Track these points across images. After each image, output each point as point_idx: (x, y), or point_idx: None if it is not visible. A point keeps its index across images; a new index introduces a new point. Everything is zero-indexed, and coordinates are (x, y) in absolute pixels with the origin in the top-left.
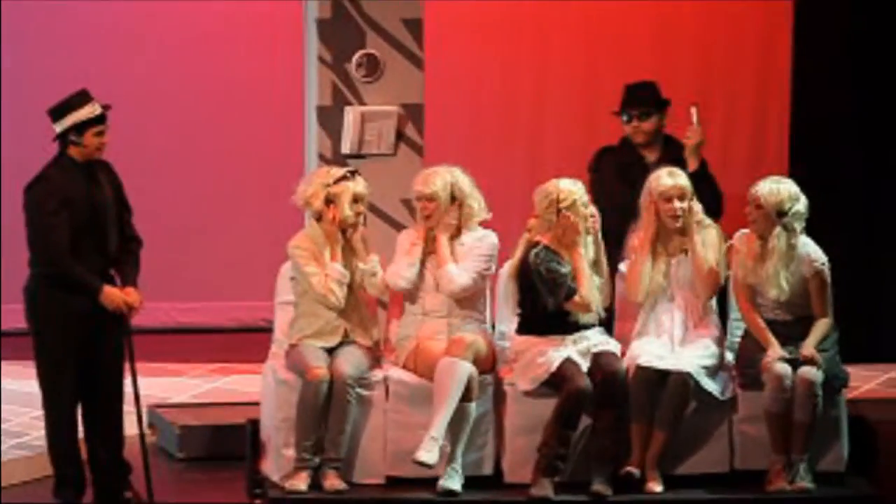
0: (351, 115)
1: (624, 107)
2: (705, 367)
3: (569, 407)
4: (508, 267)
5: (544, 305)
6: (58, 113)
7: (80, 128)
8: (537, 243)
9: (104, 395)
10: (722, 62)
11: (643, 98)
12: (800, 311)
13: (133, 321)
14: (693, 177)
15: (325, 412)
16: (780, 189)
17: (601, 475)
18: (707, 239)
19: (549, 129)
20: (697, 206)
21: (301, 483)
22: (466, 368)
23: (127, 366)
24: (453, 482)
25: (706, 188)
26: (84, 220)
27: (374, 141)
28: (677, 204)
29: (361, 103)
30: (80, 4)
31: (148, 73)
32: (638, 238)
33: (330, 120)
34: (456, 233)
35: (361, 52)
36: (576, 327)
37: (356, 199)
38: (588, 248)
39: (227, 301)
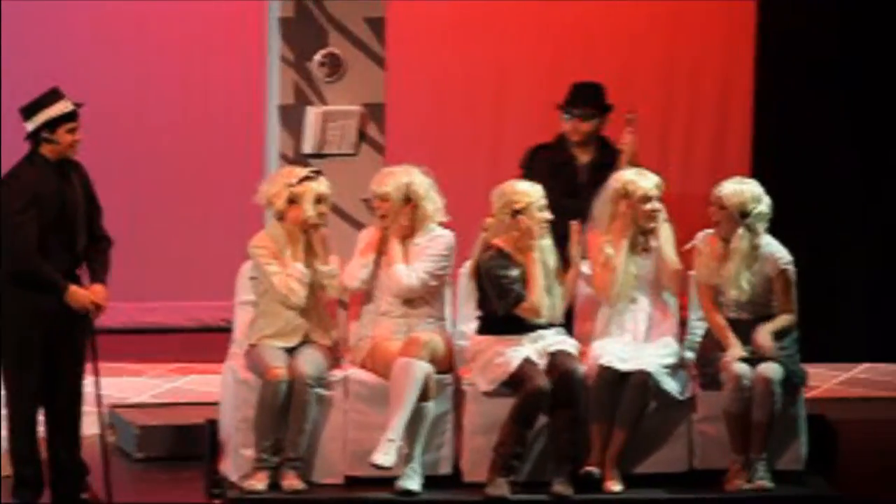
0: (313, 114)
1: (568, 104)
2: (665, 367)
3: (526, 406)
4: (468, 266)
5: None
6: (29, 111)
7: (53, 125)
8: (492, 246)
9: (66, 395)
10: (685, 63)
11: (588, 99)
12: (762, 311)
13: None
14: None
15: (285, 412)
16: (743, 190)
17: (560, 475)
18: (664, 235)
19: (511, 129)
20: (662, 206)
21: (259, 483)
22: (423, 368)
23: (90, 366)
24: (412, 482)
25: None
26: (53, 218)
27: (335, 140)
28: (656, 205)
29: (323, 103)
30: (39, 4)
31: (109, 73)
32: (610, 239)
33: (292, 119)
34: (410, 233)
35: (324, 51)
36: (533, 327)
37: (319, 200)
38: (546, 253)
39: (186, 301)
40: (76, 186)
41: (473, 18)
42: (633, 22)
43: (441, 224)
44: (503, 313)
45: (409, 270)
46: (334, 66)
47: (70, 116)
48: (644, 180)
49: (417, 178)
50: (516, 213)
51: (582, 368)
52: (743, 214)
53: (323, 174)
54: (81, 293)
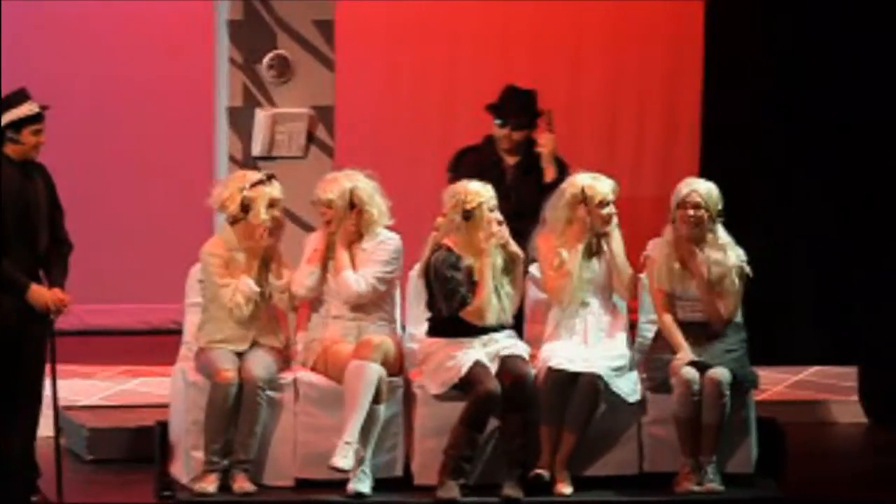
0: (262, 116)
1: (500, 112)
2: (615, 369)
3: (477, 410)
4: (418, 267)
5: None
6: None
7: (18, 125)
8: (442, 246)
9: (25, 396)
10: (633, 64)
11: (525, 109)
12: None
13: None
14: (552, 186)
15: (235, 414)
16: (712, 188)
17: (511, 478)
18: (614, 240)
19: (460, 131)
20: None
21: (209, 485)
22: (376, 370)
23: (48, 368)
24: (363, 485)
25: None
26: (16, 218)
27: (284, 143)
28: (612, 209)
29: (272, 105)
30: None
31: (56, 73)
32: (564, 243)
33: (240, 121)
34: (356, 238)
35: (272, 53)
36: (484, 330)
37: (272, 204)
38: (495, 255)
39: (136, 303)
40: (39, 187)
41: (422, 21)
42: (580, 24)
43: (387, 227)
44: (447, 315)
45: (357, 277)
46: (283, 68)
47: (35, 118)
48: (601, 185)
49: (361, 183)
50: (467, 213)
51: (532, 373)
52: (719, 213)
53: (276, 178)
54: (43, 292)
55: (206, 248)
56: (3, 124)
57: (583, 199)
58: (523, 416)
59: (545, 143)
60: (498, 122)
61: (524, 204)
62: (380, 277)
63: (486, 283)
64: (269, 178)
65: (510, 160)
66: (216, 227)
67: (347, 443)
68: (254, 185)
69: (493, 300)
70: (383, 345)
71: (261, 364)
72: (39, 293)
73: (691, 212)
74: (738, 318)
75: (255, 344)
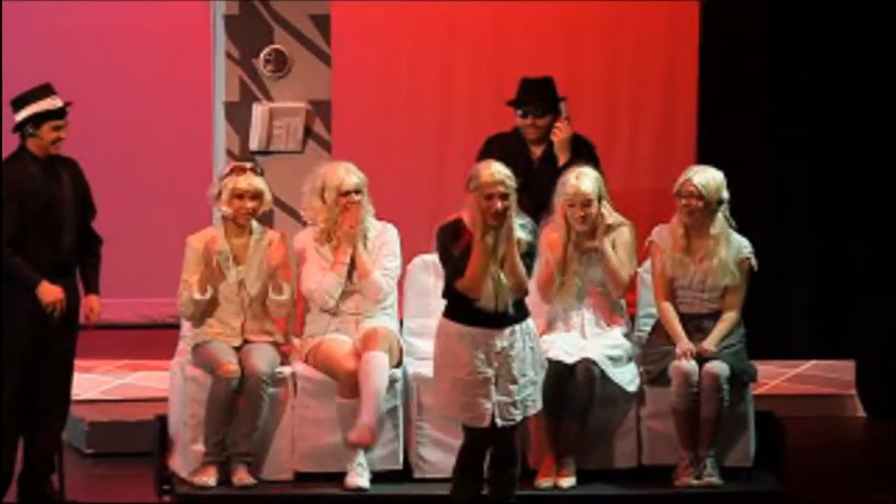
0: (259, 111)
1: (521, 101)
2: (611, 358)
3: (472, 456)
4: (416, 262)
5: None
6: (18, 104)
7: (38, 120)
8: (456, 218)
9: (53, 392)
10: (629, 61)
11: (543, 95)
12: (717, 304)
13: None
14: (565, 170)
15: (235, 408)
16: (714, 177)
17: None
18: (619, 238)
19: (457, 126)
20: (607, 209)
21: (209, 478)
22: (386, 361)
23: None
24: (362, 479)
25: None
26: (37, 213)
27: (282, 137)
28: (581, 211)
29: (269, 99)
30: None
31: (54, 70)
32: (551, 240)
33: (238, 116)
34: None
35: (269, 48)
36: (491, 320)
37: (239, 195)
38: (496, 235)
39: (134, 298)
40: (65, 184)
41: (419, 15)
42: (577, 18)
43: (384, 221)
44: (445, 287)
45: (382, 276)
46: (280, 62)
47: (56, 114)
48: (581, 183)
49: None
50: (489, 195)
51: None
52: (719, 202)
53: (255, 169)
54: (51, 290)
55: (189, 238)
56: (23, 118)
57: (566, 198)
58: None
59: (559, 129)
60: (519, 113)
61: (547, 194)
62: (395, 268)
63: (477, 261)
64: (245, 168)
65: (536, 152)
66: (215, 222)
67: (361, 464)
68: (226, 175)
69: (488, 279)
70: (389, 335)
71: (263, 358)
72: (48, 290)
73: (684, 201)
74: (739, 311)
75: (247, 340)
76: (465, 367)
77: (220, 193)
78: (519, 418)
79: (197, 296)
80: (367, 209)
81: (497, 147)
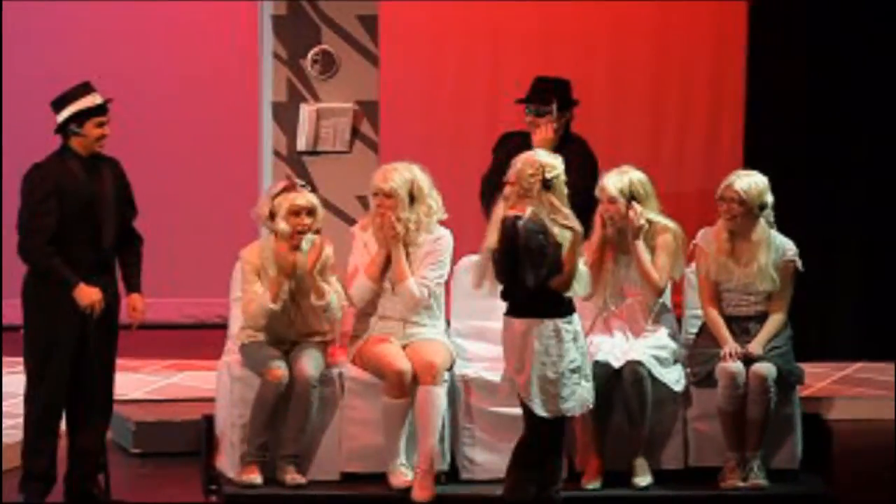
0: (306, 111)
1: (525, 99)
2: (657, 359)
3: (533, 453)
4: (464, 262)
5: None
6: (59, 104)
7: (81, 118)
8: (514, 216)
9: (94, 389)
10: (677, 62)
11: (544, 95)
12: (764, 306)
13: None
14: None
15: (281, 411)
16: (757, 182)
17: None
18: (659, 242)
19: (504, 125)
20: (639, 209)
21: (255, 476)
22: (444, 396)
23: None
24: (407, 477)
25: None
26: (77, 211)
27: (329, 138)
28: (603, 207)
29: (317, 100)
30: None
31: (103, 71)
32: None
33: (285, 117)
34: (411, 236)
35: (317, 48)
36: (570, 309)
37: (295, 212)
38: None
39: (182, 298)
40: (106, 182)
41: (466, 16)
42: (625, 18)
43: (440, 222)
44: (533, 285)
45: (418, 285)
46: (327, 63)
47: (99, 110)
48: (608, 180)
49: (420, 175)
50: (548, 181)
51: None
52: (761, 206)
53: (307, 186)
54: (88, 292)
55: (243, 252)
56: (66, 117)
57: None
58: (562, 462)
59: (538, 130)
60: (526, 111)
61: None
62: (438, 280)
63: (569, 249)
64: (299, 185)
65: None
66: (262, 236)
67: (403, 464)
68: (279, 192)
69: (582, 268)
70: (444, 363)
71: (312, 362)
72: (85, 292)
73: (725, 206)
74: (786, 312)
75: (294, 343)
76: (569, 360)
77: (271, 211)
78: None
79: (270, 305)
80: (411, 214)
81: (509, 143)
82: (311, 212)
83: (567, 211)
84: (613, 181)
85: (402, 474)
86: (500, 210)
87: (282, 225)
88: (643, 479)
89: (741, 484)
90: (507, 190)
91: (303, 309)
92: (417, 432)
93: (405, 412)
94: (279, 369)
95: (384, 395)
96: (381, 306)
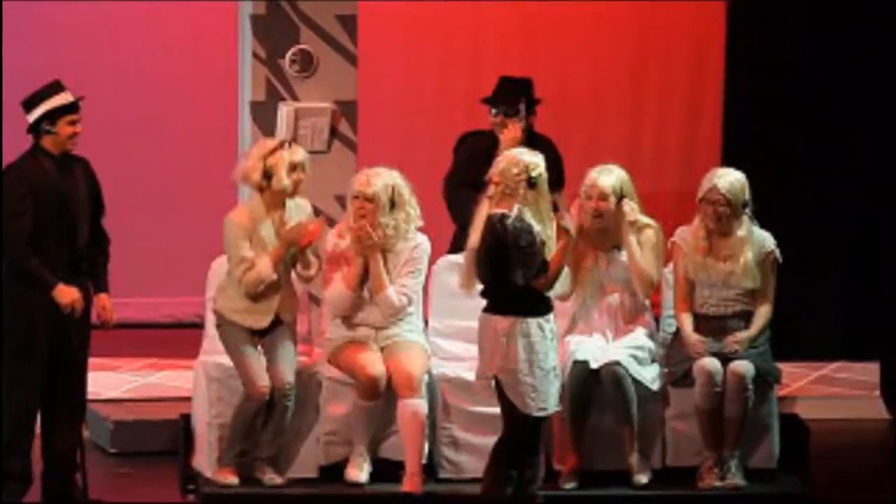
0: (284, 111)
1: (492, 100)
2: (635, 357)
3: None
4: (441, 262)
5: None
6: (30, 103)
7: (53, 116)
8: (500, 214)
9: (69, 389)
10: (656, 62)
11: (515, 96)
12: (746, 305)
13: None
14: None
15: (260, 416)
16: (738, 179)
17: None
18: (643, 238)
19: (483, 126)
20: (629, 206)
21: (232, 478)
22: (425, 409)
23: None
24: (361, 472)
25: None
26: (52, 211)
27: (307, 137)
28: (595, 204)
29: (295, 99)
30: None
31: (79, 68)
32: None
33: (263, 116)
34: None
35: (295, 48)
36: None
37: (293, 168)
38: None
39: (159, 297)
40: (79, 181)
41: (445, 16)
42: (604, 19)
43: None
44: (522, 284)
45: (398, 293)
46: (306, 63)
47: (71, 108)
48: (591, 177)
49: (401, 181)
50: (533, 180)
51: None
52: (744, 204)
53: (296, 142)
54: (65, 291)
55: (229, 216)
56: (38, 116)
57: (583, 189)
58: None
59: (506, 130)
60: (493, 111)
61: None
62: (416, 288)
63: (559, 249)
64: (289, 143)
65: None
66: (247, 198)
67: (362, 455)
68: (273, 150)
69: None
70: (422, 372)
71: (288, 365)
72: (65, 293)
73: (711, 208)
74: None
75: (275, 322)
76: (551, 357)
77: (265, 170)
78: None
79: (273, 275)
80: (390, 220)
81: (470, 143)
82: (304, 167)
83: (551, 210)
84: (605, 178)
85: (358, 466)
86: (484, 209)
87: (285, 181)
88: (643, 477)
89: (718, 484)
90: (491, 189)
91: (282, 277)
92: (405, 445)
93: (374, 414)
94: (265, 387)
95: (356, 396)
96: (358, 316)
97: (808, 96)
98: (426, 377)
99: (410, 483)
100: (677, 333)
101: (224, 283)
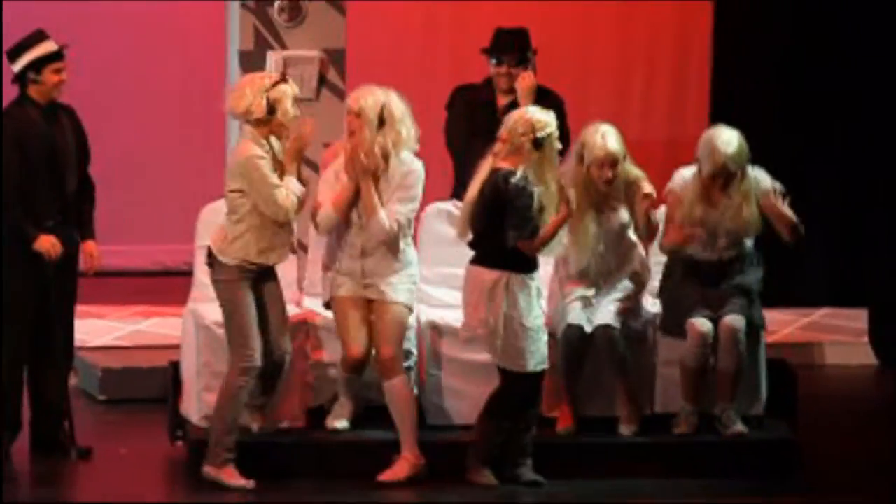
0: (273, 59)
1: (496, 49)
2: (623, 311)
3: (511, 403)
4: (432, 208)
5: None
6: (14, 53)
7: (38, 65)
8: (502, 169)
9: (56, 338)
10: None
11: (518, 45)
12: (742, 249)
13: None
14: None
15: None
16: (740, 143)
17: (526, 465)
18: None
19: (471, 75)
20: (629, 167)
21: (239, 478)
22: (410, 388)
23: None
24: (340, 421)
25: None
26: (41, 159)
27: (296, 85)
28: (610, 172)
29: (284, 48)
30: None
31: (68, 14)
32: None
33: (252, 64)
34: (383, 164)
35: None
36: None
37: (296, 99)
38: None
39: (148, 245)
40: (66, 130)
41: None
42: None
43: (414, 154)
44: (511, 244)
45: (388, 218)
46: (294, 11)
47: (55, 56)
48: (601, 145)
49: (395, 100)
50: (539, 140)
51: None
52: (748, 161)
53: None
54: (43, 239)
55: (250, 153)
56: (23, 66)
57: (585, 155)
58: (539, 410)
59: (522, 78)
60: (493, 61)
61: None
62: (408, 213)
63: (556, 220)
64: (283, 77)
65: (503, 100)
66: (245, 134)
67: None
68: (274, 84)
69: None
70: (401, 347)
71: (284, 331)
72: (43, 241)
73: (723, 180)
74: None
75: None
76: (535, 315)
77: (270, 104)
78: None
79: (300, 195)
80: (378, 138)
81: (465, 96)
82: (298, 102)
83: (556, 173)
84: (612, 143)
85: (338, 415)
86: (488, 163)
87: (293, 111)
88: (633, 427)
89: (688, 432)
90: (498, 146)
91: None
92: (396, 424)
93: (357, 383)
94: (257, 363)
95: (340, 367)
96: (349, 242)
97: (800, 45)
98: (409, 338)
99: (398, 467)
100: (666, 279)
101: (232, 236)
